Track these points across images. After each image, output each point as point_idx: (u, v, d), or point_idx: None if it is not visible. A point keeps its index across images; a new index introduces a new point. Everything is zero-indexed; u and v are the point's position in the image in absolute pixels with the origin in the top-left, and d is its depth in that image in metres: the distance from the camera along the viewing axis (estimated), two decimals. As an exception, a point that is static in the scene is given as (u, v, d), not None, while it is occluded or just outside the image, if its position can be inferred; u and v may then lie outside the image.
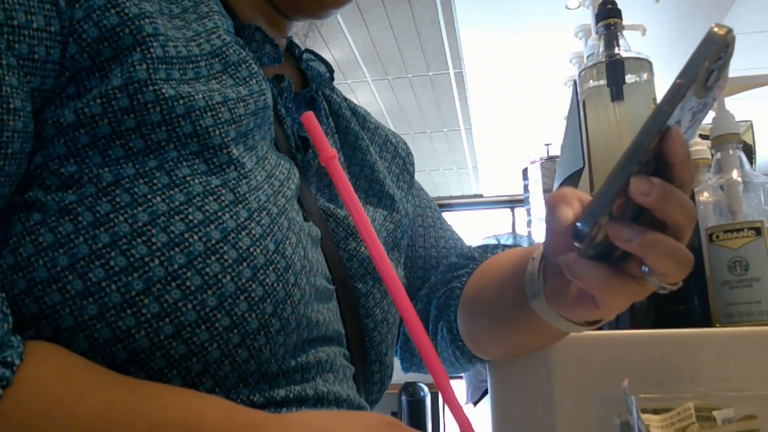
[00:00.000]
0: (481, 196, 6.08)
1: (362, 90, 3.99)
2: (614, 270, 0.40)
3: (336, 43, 3.39)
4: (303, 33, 0.72)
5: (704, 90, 0.36)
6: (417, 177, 0.73)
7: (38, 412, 0.34)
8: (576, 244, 0.38)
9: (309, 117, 0.44)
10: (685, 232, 0.39)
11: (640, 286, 0.41)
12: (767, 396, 0.51)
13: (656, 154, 0.37)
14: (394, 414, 4.25)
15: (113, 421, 0.35)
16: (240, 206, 0.42)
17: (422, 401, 4.23)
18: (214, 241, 0.40)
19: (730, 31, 0.35)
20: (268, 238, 0.42)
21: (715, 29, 0.35)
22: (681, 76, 0.35)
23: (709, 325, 0.73)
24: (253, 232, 0.42)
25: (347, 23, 3.20)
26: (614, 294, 0.41)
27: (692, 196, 0.61)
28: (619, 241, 0.38)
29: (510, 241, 0.70)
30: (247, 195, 0.43)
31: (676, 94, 0.35)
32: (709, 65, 0.35)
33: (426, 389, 4.24)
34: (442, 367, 0.39)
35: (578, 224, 0.37)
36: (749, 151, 1.17)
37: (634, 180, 0.37)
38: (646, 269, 0.39)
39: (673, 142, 0.37)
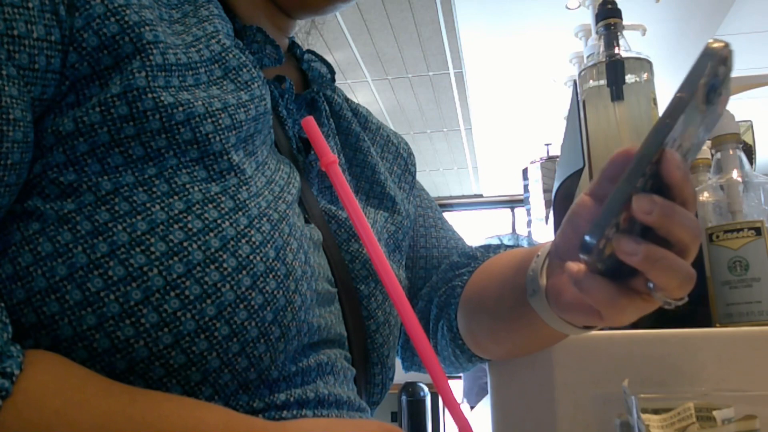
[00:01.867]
0: (481, 196, 6.07)
1: (362, 90, 3.99)
2: (621, 287, 0.40)
3: (336, 43, 3.38)
4: (305, 31, 0.71)
5: (705, 104, 0.37)
6: (417, 177, 0.73)
7: (38, 421, 0.34)
8: (584, 257, 0.38)
9: (309, 122, 0.43)
10: (689, 250, 0.39)
11: (645, 302, 0.41)
12: (767, 396, 0.51)
13: (659, 171, 0.38)
14: (393, 414, 4.25)
15: (113, 430, 0.35)
16: (240, 213, 0.42)
17: (422, 401, 4.23)
18: (213, 250, 0.40)
19: (726, 45, 0.35)
20: (269, 245, 0.42)
21: (713, 44, 0.35)
22: (681, 89, 0.35)
23: (709, 325, 0.73)
24: (254, 239, 0.42)
25: (347, 23, 3.20)
26: (620, 311, 0.41)
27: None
28: (622, 254, 0.38)
29: (512, 242, 0.70)
30: (247, 202, 0.43)
31: (677, 107, 0.35)
32: (708, 80, 0.35)
33: (426, 389, 4.24)
34: (441, 369, 0.39)
35: (585, 237, 0.37)
36: (749, 151, 1.17)
37: (636, 198, 0.36)
38: (651, 285, 0.39)
39: (668, 165, 0.37)
